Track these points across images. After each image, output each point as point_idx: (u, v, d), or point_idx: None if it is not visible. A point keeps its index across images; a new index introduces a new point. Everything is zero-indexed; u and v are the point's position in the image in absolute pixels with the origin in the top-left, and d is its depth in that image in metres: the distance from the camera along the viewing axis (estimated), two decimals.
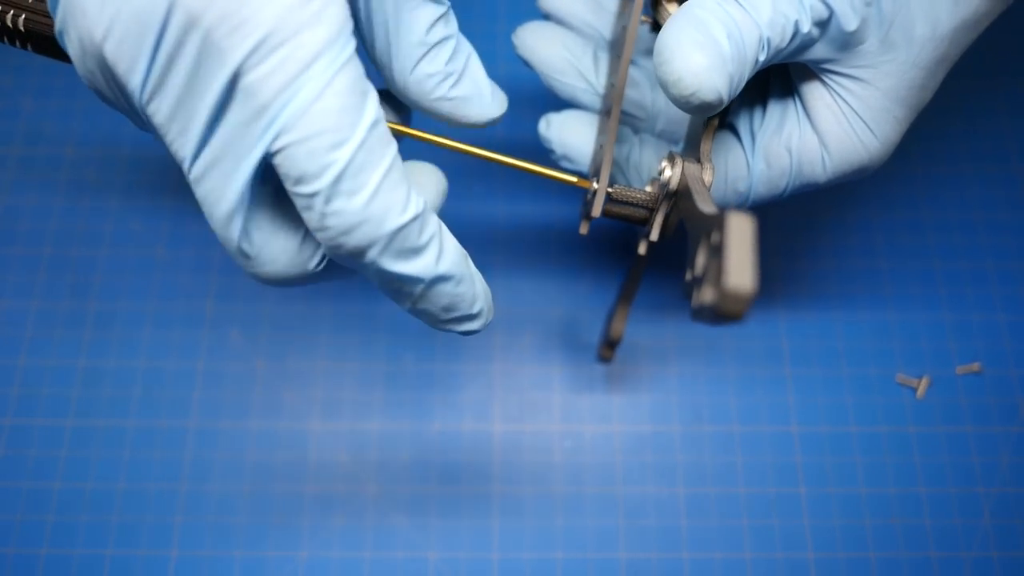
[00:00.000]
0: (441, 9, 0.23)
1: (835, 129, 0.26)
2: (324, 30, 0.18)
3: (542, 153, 0.32)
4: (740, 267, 0.16)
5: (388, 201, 0.19)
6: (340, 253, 0.20)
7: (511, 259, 0.39)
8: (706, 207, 0.21)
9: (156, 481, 0.35)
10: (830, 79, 0.26)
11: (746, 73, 0.23)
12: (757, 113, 0.29)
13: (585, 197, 0.27)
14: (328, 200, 0.19)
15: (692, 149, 0.27)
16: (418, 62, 0.23)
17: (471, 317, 0.23)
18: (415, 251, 0.20)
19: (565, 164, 0.31)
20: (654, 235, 0.26)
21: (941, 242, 0.39)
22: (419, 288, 0.21)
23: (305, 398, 0.36)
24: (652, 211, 0.26)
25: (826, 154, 0.27)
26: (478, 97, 0.24)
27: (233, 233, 0.20)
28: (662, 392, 0.37)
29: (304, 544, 0.34)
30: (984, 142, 0.41)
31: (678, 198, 0.25)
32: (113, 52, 0.18)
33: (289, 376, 0.37)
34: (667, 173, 0.25)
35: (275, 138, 0.18)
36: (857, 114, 0.26)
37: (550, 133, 0.31)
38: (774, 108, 0.28)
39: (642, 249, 0.28)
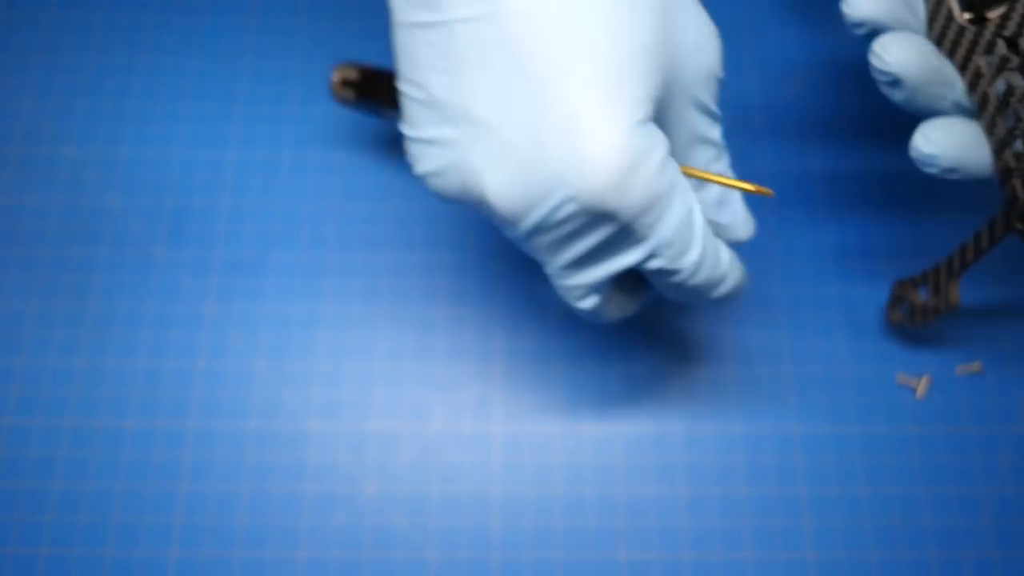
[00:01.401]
0: (717, 149, 0.27)
1: None
2: (682, 201, 0.23)
3: None
4: None
5: (721, 267, 0.25)
6: (681, 299, 0.27)
7: (511, 259, 0.39)
8: None
9: (156, 481, 0.35)
10: None
11: None
12: None
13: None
14: (690, 277, 0.25)
15: None
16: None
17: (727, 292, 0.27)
18: (724, 279, 0.26)
19: (951, 176, 0.29)
20: None
21: (941, 242, 0.39)
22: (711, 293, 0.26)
23: (305, 398, 0.36)
24: None
25: None
26: (734, 225, 0.28)
27: (587, 306, 0.26)
28: (663, 392, 0.37)
29: (303, 544, 0.34)
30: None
31: None
32: (502, 204, 0.23)
33: (289, 376, 0.37)
34: None
35: (647, 258, 0.24)
36: None
37: (935, 148, 0.28)
38: None
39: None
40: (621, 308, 0.28)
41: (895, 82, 0.28)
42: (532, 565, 0.34)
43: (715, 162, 0.27)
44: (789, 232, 0.39)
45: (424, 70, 0.23)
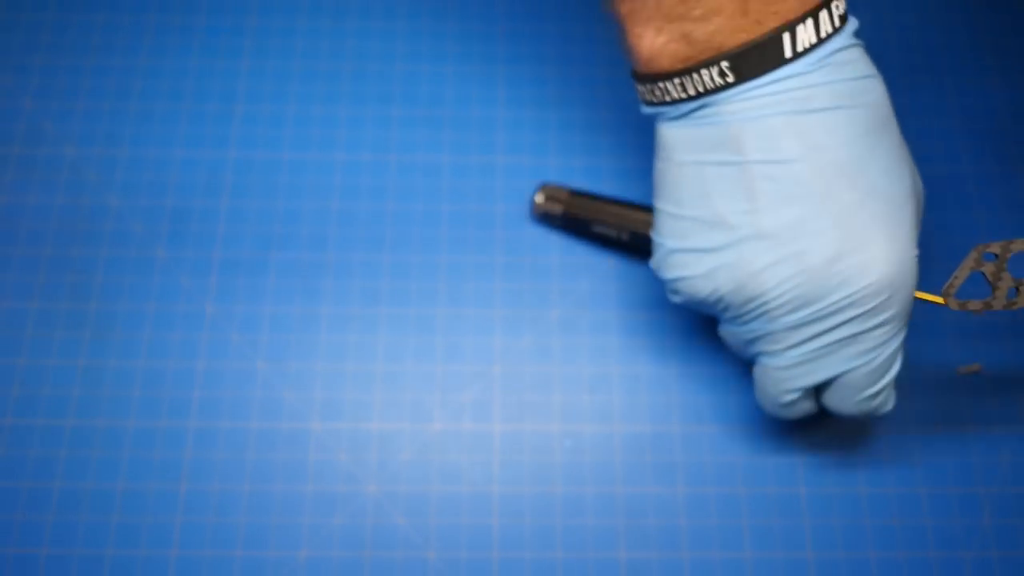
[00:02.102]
0: None
1: None
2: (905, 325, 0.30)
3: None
4: None
5: (892, 394, 0.31)
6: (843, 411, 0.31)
7: (511, 259, 0.39)
8: None
9: (156, 481, 0.35)
10: None
11: None
12: None
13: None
14: (883, 390, 0.30)
15: None
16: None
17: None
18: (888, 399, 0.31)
19: None
20: None
21: (941, 242, 0.39)
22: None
23: (305, 398, 0.36)
24: None
25: None
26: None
27: (788, 399, 0.31)
28: (662, 392, 0.37)
29: (304, 544, 0.34)
30: (984, 141, 0.41)
31: None
32: (782, 298, 0.28)
33: (289, 376, 0.37)
34: None
35: (863, 365, 0.29)
36: None
37: None
38: None
39: None
40: (804, 410, 0.32)
41: None
42: (532, 565, 0.34)
43: None
44: None
45: (713, 197, 0.28)
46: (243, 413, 0.36)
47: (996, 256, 0.28)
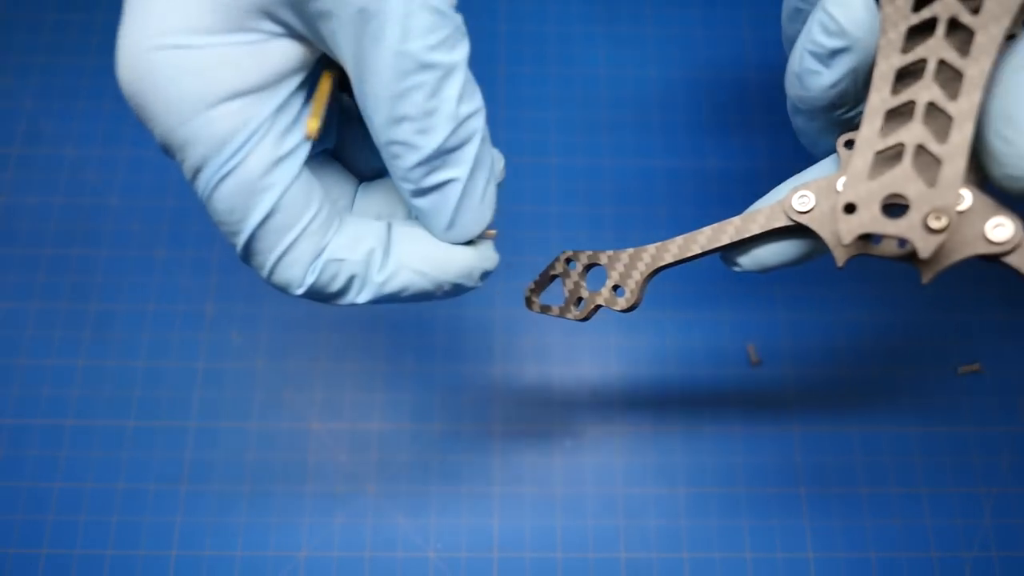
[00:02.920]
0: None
1: None
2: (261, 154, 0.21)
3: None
4: None
5: (288, 274, 0.22)
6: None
7: (511, 259, 0.39)
8: None
9: (156, 481, 0.35)
10: None
11: None
12: None
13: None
14: (243, 246, 0.22)
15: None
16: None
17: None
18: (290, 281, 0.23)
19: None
20: None
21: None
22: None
23: (305, 398, 0.36)
24: None
25: None
26: (436, 211, 0.23)
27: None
28: (662, 392, 0.37)
29: (304, 544, 0.34)
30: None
31: None
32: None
33: (289, 376, 0.37)
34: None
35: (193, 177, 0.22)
36: None
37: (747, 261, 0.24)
38: None
39: None
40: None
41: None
42: (532, 565, 0.34)
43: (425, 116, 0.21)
44: None
45: None
46: (243, 413, 0.36)
47: (576, 264, 0.26)
